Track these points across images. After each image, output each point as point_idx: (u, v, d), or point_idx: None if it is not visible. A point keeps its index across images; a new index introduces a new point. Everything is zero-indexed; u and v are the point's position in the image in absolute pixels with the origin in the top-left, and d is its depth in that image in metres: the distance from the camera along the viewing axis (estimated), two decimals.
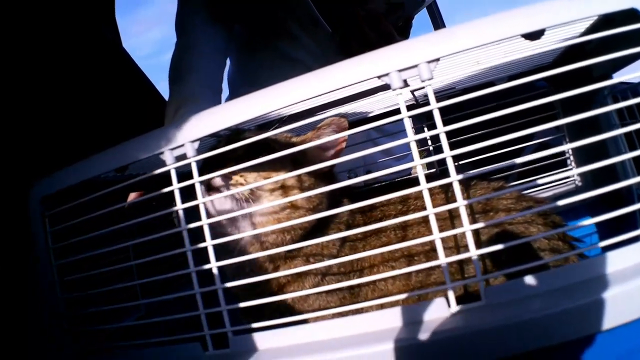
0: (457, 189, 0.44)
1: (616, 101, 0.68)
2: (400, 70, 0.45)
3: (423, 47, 0.45)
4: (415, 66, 0.45)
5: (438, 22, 1.71)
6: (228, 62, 1.10)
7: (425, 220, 0.54)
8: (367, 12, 0.90)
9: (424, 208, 0.46)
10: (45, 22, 1.10)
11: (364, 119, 0.72)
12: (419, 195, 0.58)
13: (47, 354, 0.59)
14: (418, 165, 0.46)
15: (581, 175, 0.75)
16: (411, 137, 0.45)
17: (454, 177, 0.44)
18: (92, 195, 0.55)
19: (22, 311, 0.62)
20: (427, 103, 0.44)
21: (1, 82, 0.96)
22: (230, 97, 1.16)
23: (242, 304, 0.49)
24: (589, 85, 0.46)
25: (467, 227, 0.44)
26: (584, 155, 0.73)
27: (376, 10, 0.91)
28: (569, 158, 0.75)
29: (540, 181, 0.70)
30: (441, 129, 0.44)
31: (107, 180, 0.57)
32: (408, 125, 0.45)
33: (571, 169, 0.74)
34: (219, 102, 0.96)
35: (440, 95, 0.70)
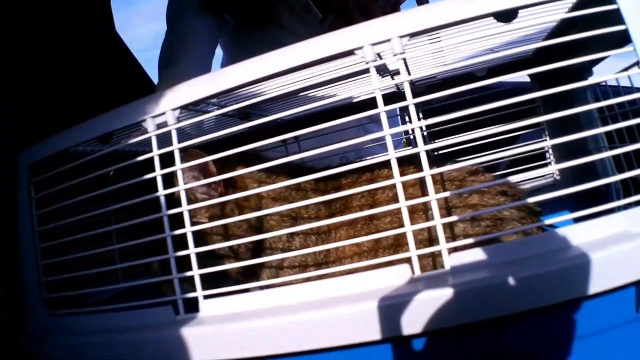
0: (424, 159, 0.47)
1: (595, 94, 0.71)
2: (373, 44, 0.48)
3: (395, 22, 0.47)
4: (388, 40, 0.47)
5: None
6: (219, 51, 1.14)
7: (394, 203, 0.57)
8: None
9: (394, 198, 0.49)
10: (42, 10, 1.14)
11: (350, 104, 0.75)
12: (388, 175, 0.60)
13: (25, 319, 0.62)
14: (387, 135, 0.48)
15: (560, 169, 0.77)
16: (381, 108, 0.47)
17: (421, 147, 0.47)
18: (75, 163, 0.57)
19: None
20: (411, 94, 0.47)
21: None
22: None
23: (214, 268, 0.51)
24: (568, 79, 0.49)
25: (432, 197, 0.46)
26: (562, 150, 0.76)
27: None
28: (547, 152, 0.77)
29: (518, 175, 0.73)
30: (410, 101, 0.47)
31: (93, 153, 0.60)
32: (379, 97, 0.48)
33: (550, 162, 0.77)
34: None
35: (421, 84, 0.73)
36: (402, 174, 0.50)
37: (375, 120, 0.99)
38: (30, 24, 1.11)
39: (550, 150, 0.77)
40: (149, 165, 0.53)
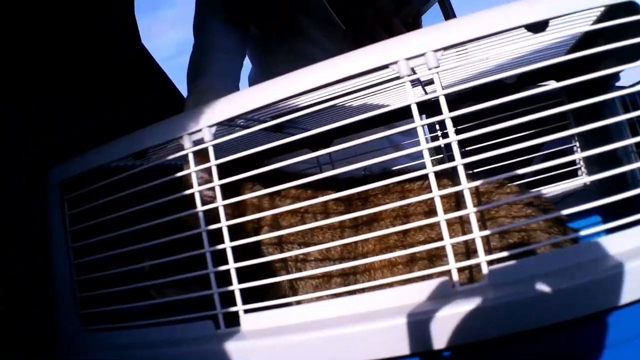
0: (461, 172, 0.48)
1: (624, 103, 0.72)
2: (408, 59, 0.49)
3: (429, 36, 0.49)
4: (423, 54, 0.49)
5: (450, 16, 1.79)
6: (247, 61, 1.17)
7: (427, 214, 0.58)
8: (376, 12, 0.96)
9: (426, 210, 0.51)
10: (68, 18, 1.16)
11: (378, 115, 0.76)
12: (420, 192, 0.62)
13: (57, 335, 0.64)
14: (424, 149, 0.50)
15: (590, 174, 0.78)
16: (418, 122, 0.49)
17: (459, 161, 0.48)
18: (110, 180, 0.59)
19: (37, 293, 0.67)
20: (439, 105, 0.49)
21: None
22: None
23: (254, 283, 0.53)
24: (596, 86, 0.50)
25: (470, 209, 0.48)
26: (593, 158, 0.77)
27: (385, 10, 0.96)
28: (579, 164, 0.79)
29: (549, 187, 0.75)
30: (447, 115, 0.49)
31: (127, 168, 0.62)
32: (415, 111, 0.49)
33: (580, 168, 0.78)
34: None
35: (452, 93, 0.75)
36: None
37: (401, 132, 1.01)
38: (30, 24, 1.13)
39: (582, 161, 0.79)
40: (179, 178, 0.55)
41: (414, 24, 1.01)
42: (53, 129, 1.08)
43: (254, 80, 1.26)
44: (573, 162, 0.79)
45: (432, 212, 0.57)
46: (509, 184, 0.62)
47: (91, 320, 0.62)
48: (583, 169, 0.79)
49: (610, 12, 0.54)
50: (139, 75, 1.36)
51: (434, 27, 0.50)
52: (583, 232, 0.53)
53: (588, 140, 0.77)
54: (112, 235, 0.59)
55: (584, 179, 0.77)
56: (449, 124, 0.49)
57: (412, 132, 0.50)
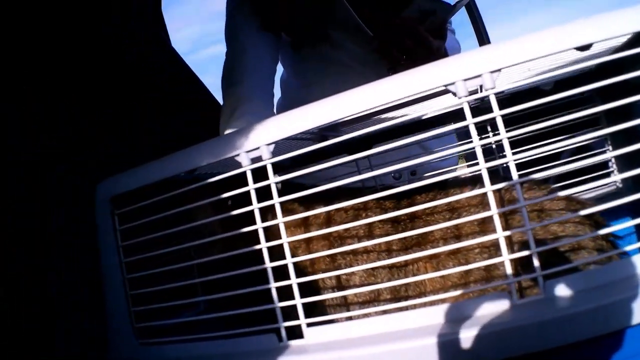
0: (519, 190, 0.51)
1: None
2: (465, 80, 0.52)
3: (486, 58, 0.52)
4: (479, 76, 0.52)
5: (476, 20, 1.83)
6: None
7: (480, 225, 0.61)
8: (402, 20, 0.99)
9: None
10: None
11: (418, 121, 0.79)
12: (469, 202, 0.65)
13: (113, 349, 0.66)
14: (483, 168, 0.53)
15: (622, 180, 0.82)
16: (476, 142, 0.52)
17: (516, 179, 0.51)
18: (163, 196, 0.62)
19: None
20: (484, 108, 0.52)
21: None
22: (283, 98, 1.27)
23: (316, 298, 0.56)
24: (630, 92, 0.53)
25: (527, 227, 0.51)
26: (624, 158, 0.80)
27: (411, 19, 0.99)
28: (610, 162, 0.82)
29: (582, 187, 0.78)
30: (504, 135, 0.51)
31: (176, 178, 0.64)
32: (473, 131, 0.52)
33: (612, 171, 0.82)
34: (272, 104, 1.07)
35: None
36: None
37: (436, 137, 1.05)
38: (31, 23, 1.13)
39: (613, 160, 0.82)
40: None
41: (440, 31, 1.04)
42: (53, 129, 1.09)
43: (285, 83, 1.30)
44: (605, 166, 0.83)
45: (484, 224, 0.60)
46: (551, 187, 0.65)
47: (147, 334, 0.64)
48: (615, 172, 0.82)
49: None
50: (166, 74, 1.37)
51: (490, 49, 0.52)
52: (628, 248, 0.56)
53: (618, 142, 0.80)
54: (167, 251, 0.62)
55: (615, 177, 0.81)
56: (506, 146, 0.52)
57: (444, 137, 0.53)
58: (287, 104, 1.25)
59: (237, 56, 1.05)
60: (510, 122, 0.61)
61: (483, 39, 2.14)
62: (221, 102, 1.06)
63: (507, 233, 0.51)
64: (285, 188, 0.60)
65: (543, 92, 0.76)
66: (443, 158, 0.96)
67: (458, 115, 0.78)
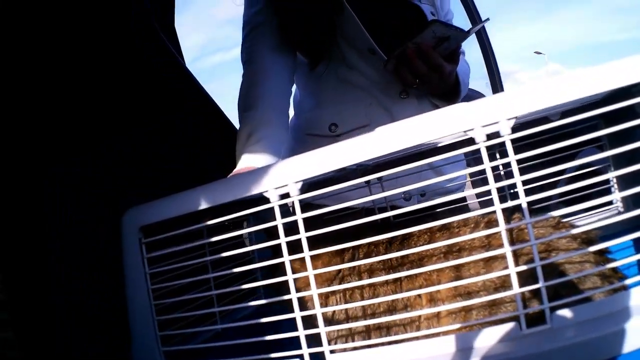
0: (531, 231, 0.59)
1: None
2: (483, 126, 0.59)
3: (504, 106, 0.59)
4: (497, 122, 0.59)
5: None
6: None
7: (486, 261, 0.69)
8: (417, 46, 1.07)
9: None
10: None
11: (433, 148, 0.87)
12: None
13: None
14: (493, 188, 0.60)
15: (623, 201, 0.90)
16: (492, 185, 0.59)
17: (528, 220, 0.59)
18: (189, 228, 0.69)
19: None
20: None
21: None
22: (296, 118, 1.35)
23: (343, 326, 0.63)
24: (633, 117, 0.61)
25: (537, 263, 0.59)
26: (625, 182, 0.89)
27: (425, 44, 1.07)
28: (612, 185, 0.90)
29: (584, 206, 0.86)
30: (518, 179, 0.59)
31: None
32: (490, 175, 0.60)
33: (614, 191, 0.90)
34: (287, 127, 1.16)
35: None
36: (476, 225, 0.65)
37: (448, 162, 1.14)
38: (31, 23, 1.17)
39: (615, 182, 0.91)
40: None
41: (453, 56, 1.12)
42: (55, 131, 1.13)
43: (299, 103, 1.39)
44: (608, 191, 0.91)
45: (490, 259, 0.68)
46: (566, 226, 0.73)
47: (174, 358, 0.71)
48: (619, 203, 0.91)
49: None
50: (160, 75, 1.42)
51: (509, 96, 0.60)
52: (629, 280, 0.64)
53: (621, 166, 0.88)
54: (192, 280, 0.69)
55: (616, 194, 0.89)
56: (514, 167, 0.59)
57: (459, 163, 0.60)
58: (301, 124, 1.33)
59: (253, 80, 1.13)
60: (517, 149, 0.69)
61: (487, 53, 2.28)
62: (224, 112, 1.14)
63: (519, 269, 0.59)
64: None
65: (550, 122, 0.84)
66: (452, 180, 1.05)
67: (469, 139, 0.86)
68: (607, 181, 0.91)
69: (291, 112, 1.32)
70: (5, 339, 0.86)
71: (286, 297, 0.64)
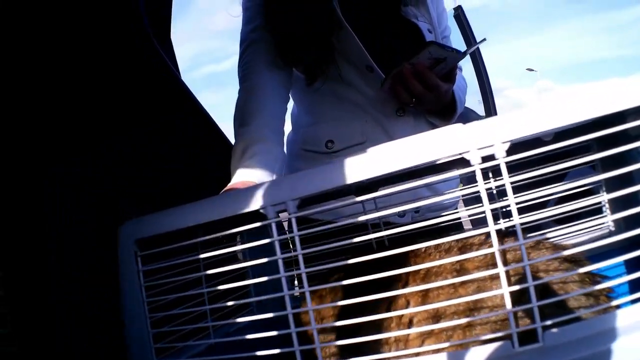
0: (524, 252, 0.61)
1: None
2: (479, 149, 0.62)
3: (500, 130, 0.61)
4: (492, 145, 0.62)
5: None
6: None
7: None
8: (413, 66, 1.10)
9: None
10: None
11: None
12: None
13: None
14: (487, 210, 0.62)
15: (615, 222, 0.93)
16: (487, 206, 0.62)
17: (521, 241, 0.61)
18: (185, 243, 0.71)
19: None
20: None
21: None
22: (293, 133, 1.37)
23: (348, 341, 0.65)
24: (624, 141, 0.63)
25: (530, 283, 0.61)
26: (617, 202, 0.92)
27: (422, 64, 1.10)
28: (604, 205, 0.93)
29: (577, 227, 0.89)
30: (512, 201, 0.61)
31: None
32: (485, 196, 0.62)
33: (606, 215, 0.93)
34: (282, 143, 1.18)
35: None
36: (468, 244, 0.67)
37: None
38: (31, 24, 1.18)
39: (607, 203, 0.94)
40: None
41: (449, 76, 1.15)
42: (55, 131, 1.14)
43: (296, 118, 1.42)
44: (600, 211, 0.94)
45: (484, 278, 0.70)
46: (545, 246, 0.75)
47: None
48: (609, 215, 0.93)
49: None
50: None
51: (503, 121, 0.62)
52: (618, 302, 0.67)
53: (613, 188, 0.91)
54: (185, 294, 0.71)
55: (608, 217, 0.91)
56: (508, 188, 0.62)
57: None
58: (298, 139, 1.35)
59: (249, 96, 1.15)
60: (510, 168, 0.71)
61: (480, 70, 2.34)
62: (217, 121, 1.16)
63: (513, 288, 0.61)
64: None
65: (543, 143, 0.87)
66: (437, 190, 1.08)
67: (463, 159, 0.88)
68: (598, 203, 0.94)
69: (288, 127, 1.34)
70: (5, 339, 0.88)
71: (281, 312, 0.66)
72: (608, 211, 0.94)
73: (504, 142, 0.62)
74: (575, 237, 0.95)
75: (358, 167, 0.64)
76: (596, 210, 0.94)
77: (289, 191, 0.65)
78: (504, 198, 0.67)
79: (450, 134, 0.63)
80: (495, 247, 0.62)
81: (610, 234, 0.94)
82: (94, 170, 1.12)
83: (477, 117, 2.84)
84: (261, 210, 0.66)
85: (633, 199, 0.83)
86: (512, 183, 0.63)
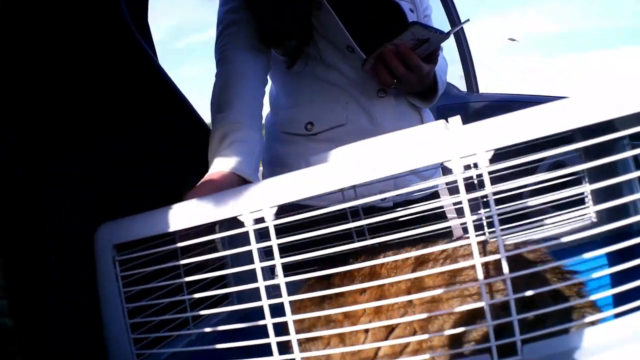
0: (501, 242, 0.60)
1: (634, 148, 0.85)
2: (461, 157, 0.60)
3: (482, 138, 0.59)
4: (474, 154, 0.59)
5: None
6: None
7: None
8: (396, 46, 1.06)
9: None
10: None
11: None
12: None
13: None
14: (469, 220, 0.61)
15: (597, 214, 0.92)
16: (468, 218, 0.60)
17: (503, 254, 0.60)
18: (164, 249, 0.69)
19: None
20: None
21: None
22: (272, 115, 1.34)
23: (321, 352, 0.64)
24: (609, 131, 0.62)
25: (511, 296, 0.60)
26: (600, 194, 0.90)
27: (404, 45, 1.07)
28: (586, 196, 0.92)
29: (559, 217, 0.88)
30: (494, 211, 0.60)
31: None
32: (466, 206, 0.60)
33: (588, 207, 0.92)
34: (260, 129, 1.14)
35: None
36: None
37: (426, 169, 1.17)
38: (30, 24, 1.15)
39: (589, 195, 0.92)
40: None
41: (431, 57, 1.12)
42: (55, 131, 1.12)
43: (275, 100, 1.38)
44: (582, 201, 0.93)
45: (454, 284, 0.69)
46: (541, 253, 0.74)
47: None
48: (591, 206, 0.92)
49: None
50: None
51: (487, 128, 0.60)
52: (601, 315, 0.66)
53: (596, 179, 0.90)
54: (168, 301, 0.70)
55: (590, 208, 0.90)
56: (491, 200, 0.60)
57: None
58: (277, 121, 1.32)
59: (226, 81, 1.11)
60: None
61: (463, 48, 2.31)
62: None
63: (493, 301, 0.60)
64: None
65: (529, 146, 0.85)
66: (426, 169, 1.07)
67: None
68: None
69: (266, 108, 1.31)
70: (5, 337, 0.87)
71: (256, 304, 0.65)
72: (591, 202, 0.93)
73: (487, 151, 0.59)
74: (557, 227, 0.94)
75: (340, 175, 0.62)
76: (579, 201, 0.93)
77: (267, 198, 0.63)
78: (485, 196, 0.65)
79: (432, 142, 0.61)
80: (477, 260, 0.60)
81: (593, 225, 0.93)
82: (94, 170, 1.10)
83: (459, 93, 2.83)
84: (239, 217, 0.64)
85: (616, 190, 0.83)
86: (492, 173, 0.61)
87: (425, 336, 0.67)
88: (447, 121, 0.72)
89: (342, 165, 0.62)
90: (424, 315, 0.67)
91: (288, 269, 0.66)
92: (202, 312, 0.81)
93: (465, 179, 0.60)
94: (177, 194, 0.87)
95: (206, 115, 1.29)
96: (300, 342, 0.66)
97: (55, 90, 1.09)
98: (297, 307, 0.74)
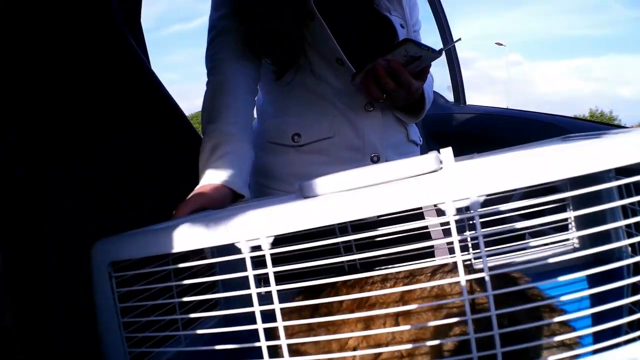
0: (488, 282, 0.62)
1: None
2: (455, 201, 0.61)
3: (475, 184, 0.61)
4: (467, 198, 0.61)
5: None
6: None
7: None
8: (387, 62, 1.07)
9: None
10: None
11: None
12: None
13: None
14: (459, 260, 0.63)
15: (579, 239, 0.95)
16: (459, 257, 0.62)
17: (487, 275, 0.62)
18: (161, 269, 0.71)
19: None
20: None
21: None
22: (259, 124, 1.33)
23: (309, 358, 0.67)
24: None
25: (493, 312, 0.62)
26: (583, 220, 0.93)
27: (396, 62, 1.08)
28: (570, 223, 0.95)
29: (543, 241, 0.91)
30: (484, 253, 0.62)
31: None
32: (457, 247, 0.62)
33: (571, 232, 0.95)
34: (251, 140, 1.14)
35: None
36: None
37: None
38: (30, 24, 1.14)
39: (573, 222, 0.95)
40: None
41: (421, 74, 1.13)
42: (55, 131, 1.12)
43: (262, 109, 1.37)
44: (566, 228, 0.95)
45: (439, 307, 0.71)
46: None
47: None
48: (573, 227, 0.95)
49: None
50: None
51: (478, 174, 0.61)
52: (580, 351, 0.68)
53: (579, 206, 0.92)
54: (168, 318, 0.71)
55: (573, 233, 0.93)
56: (481, 241, 0.62)
57: None
58: (264, 131, 1.32)
59: (217, 90, 1.12)
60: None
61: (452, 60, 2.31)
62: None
63: (476, 316, 0.62)
64: None
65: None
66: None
67: None
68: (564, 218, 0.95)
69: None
70: (5, 337, 0.88)
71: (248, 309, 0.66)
72: (574, 228, 0.95)
73: (479, 195, 0.61)
74: (539, 252, 0.97)
75: (337, 210, 0.64)
76: (562, 227, 0.96)
77: (265, 227, 0.65)
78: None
79: (427, 185, 0.63)
80: (465, 297, 0.62)
81: (575, 250, 0.96)
82: (94, 170, 1.10)
83: (445, 104, 2.85)
84: (236, 244, 0.66)
85: (599, 218, 0.85)
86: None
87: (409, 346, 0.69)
88: (439, 151, 0.75)
89: (337, 203, 0.64)
90: (410, 346, 0.69)
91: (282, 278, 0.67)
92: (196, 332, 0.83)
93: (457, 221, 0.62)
94: (177, 194, 0.88)
95: (191, 104, 1.30)
96: None
97: (55, 91, 1.09)
98: (288, 332, 0.76)
